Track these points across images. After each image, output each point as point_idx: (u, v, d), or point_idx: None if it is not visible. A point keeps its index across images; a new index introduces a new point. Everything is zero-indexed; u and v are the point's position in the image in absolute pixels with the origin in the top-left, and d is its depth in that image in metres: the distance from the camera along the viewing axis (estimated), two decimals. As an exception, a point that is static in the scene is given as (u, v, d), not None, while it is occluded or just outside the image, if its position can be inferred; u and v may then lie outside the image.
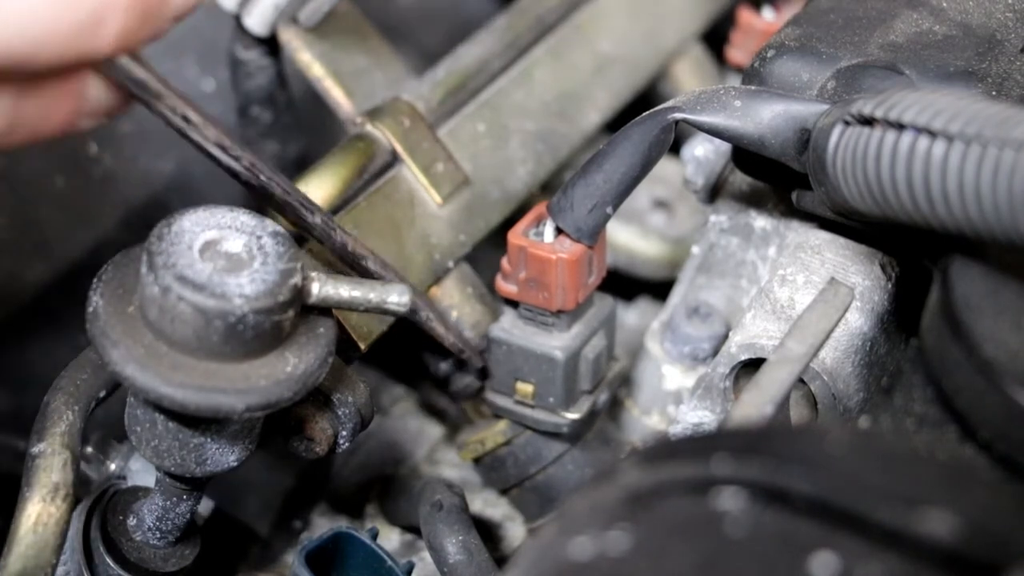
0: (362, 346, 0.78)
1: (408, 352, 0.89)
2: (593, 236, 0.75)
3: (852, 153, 0.61)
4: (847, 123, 0.63)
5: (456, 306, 0.85)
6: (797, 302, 0.74)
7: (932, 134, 0.57)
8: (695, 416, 0.76)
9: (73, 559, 0.71)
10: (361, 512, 0.91)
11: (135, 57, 0.60)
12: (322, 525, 0.90)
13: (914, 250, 0.73)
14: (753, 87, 0.72)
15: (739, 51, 1.03)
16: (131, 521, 0.72)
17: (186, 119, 0.63)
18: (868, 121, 0.61)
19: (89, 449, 0.78)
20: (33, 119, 0.57)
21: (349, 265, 0.74)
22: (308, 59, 0.88)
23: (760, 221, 0.82)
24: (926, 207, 0.58)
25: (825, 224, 0.77)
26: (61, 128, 0.59)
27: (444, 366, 0.87)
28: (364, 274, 0.74)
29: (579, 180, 0.74)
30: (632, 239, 1.05)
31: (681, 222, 1.07)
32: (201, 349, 0.61)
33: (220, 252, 0.62)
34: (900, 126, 0.58)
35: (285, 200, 0.69)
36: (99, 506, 0.73)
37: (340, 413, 0.70)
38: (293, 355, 0.63)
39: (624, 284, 1.05)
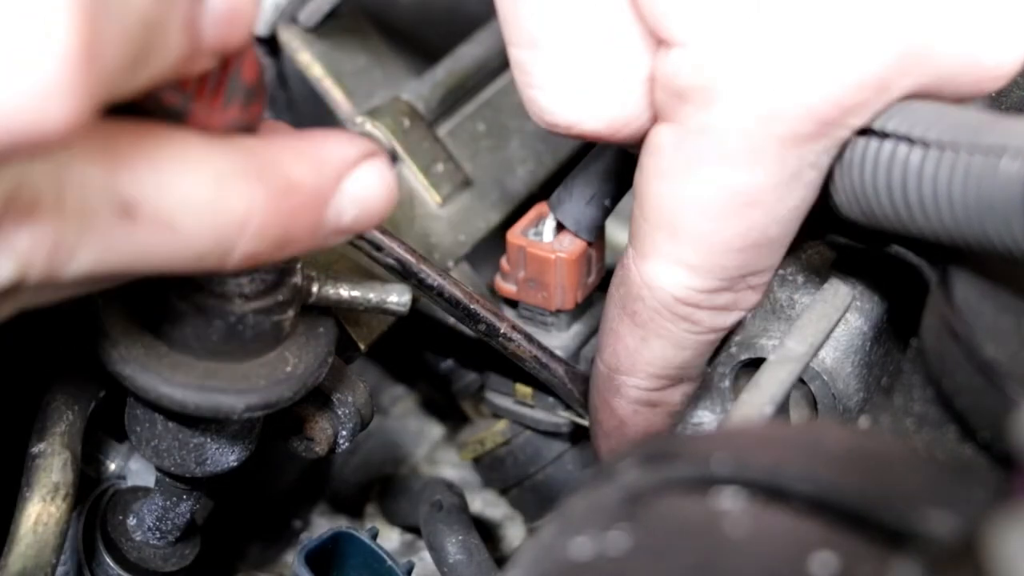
0: (362, 346, 0.78)
1: (408, 352, 0.89)
2: (591, 230, 0.75)
3: (840, 161, 0.62)
4: None
5: (456, 306, 0.85)
6: (797, 302, 0.74)
7: (911, 141, 0.57)
8: (695, 416, 0.76)
9: (73, 559, 0.71)
10: (361, 512, 0.91)
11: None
12: (322, 525, 0.90)
13: (914, 250, 0.73)
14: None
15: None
16: (131, 521, 0.72)
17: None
18: (859, 131, 0.62)
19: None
20: None
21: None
22: (308, 59, 0.88)
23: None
24: (905, 215, 0.58)
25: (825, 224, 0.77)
26: None
27: (444, 365, 0.87)
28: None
29: (579, 173, 0.75)
30: (632, 239, 1.05)
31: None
32: (201, 349, 0.61)
33: (220, 252, 0.62)
34: (883, 134, 0.59)
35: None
36: (99, 506, 0.73)
37: (340, 413, 0.70)
38: (293, 355, 0.63)
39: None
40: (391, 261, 0.70)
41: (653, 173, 0.63)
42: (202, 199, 0.50)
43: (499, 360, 0.80)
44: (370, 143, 0.56)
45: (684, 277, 0.65)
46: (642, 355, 0.69)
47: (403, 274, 0.71)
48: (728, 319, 0.67)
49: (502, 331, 0.74)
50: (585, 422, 0.80)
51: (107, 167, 0.48)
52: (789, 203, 0.62)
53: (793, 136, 0.59)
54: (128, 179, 0.48)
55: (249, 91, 0.53)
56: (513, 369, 0.79)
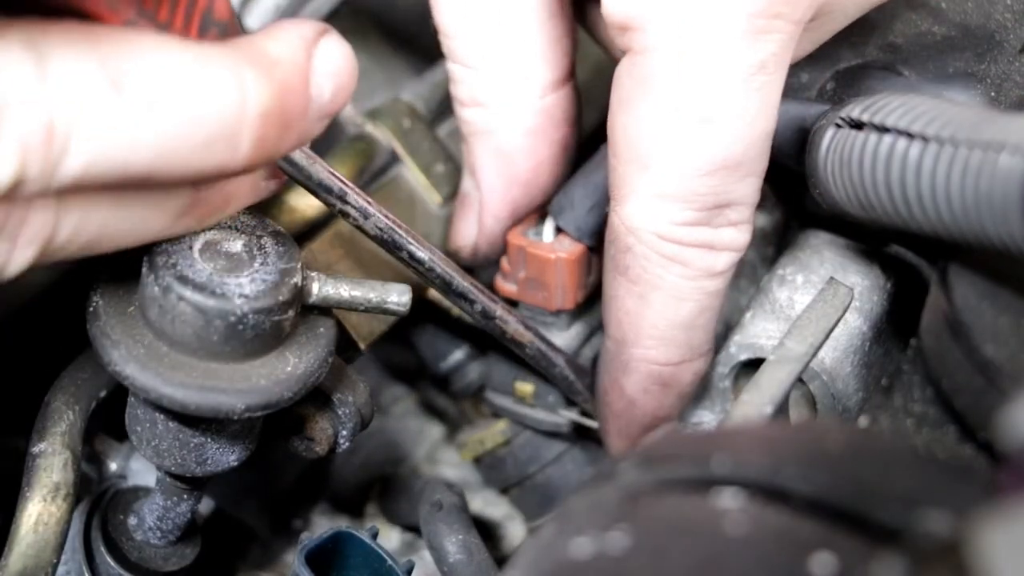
0: (362, 346, 0.78)
1: (408, 352, 0.89)
2: (593, 235, 0.75)
3: (840, 155, 0.62)
4: (838, 126, 0.63)
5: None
6: (796, 302, 0.74)
7: (911, 136, 0.57)
8: (695, 416, 0.76)
9: (74, 559, 0.71)
10: (361, 512, 0.91)
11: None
12: (322, 525, 0.90)
13: (914, 250, 0.73)
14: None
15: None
16: (132, 520, 0.72)
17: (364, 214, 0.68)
18: (858, 125, 0.62)
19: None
20: (218, 202, 0.59)
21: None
22: (308, 59, 0.88)
23: (760, 221, 0.82)
24: (903, 209, 0.59)
25: (824, 224, 0.77)
26: (250, 203, 0.63)
27: (445, 365, 0.87)
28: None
29: (579, 179, 0.75)
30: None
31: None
32: (201, 349, 0.61)
33: (220, 252, 0.62)
34: (884, 129, 0.59)
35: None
36: (99, 506, 0.73)
37: (340, 413, 0.70)
38: (293, 355, 0.63)
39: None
40: (377, 231, 0.69)
41: (617, 106, 0.66)
42: (188, 75, 0.51)
43: (504, 351, 0.80)
44: (320, 23, 0.58)
45: (661, 210, 0.66)
46: (644, 316, 0.69)
47: (390, 246, 0.70)
48: (717, 261, 0.68)
49: (497, 314, 0.74)
50: (586, 421, 0.80)
51: (87, 48, 0.49)
52: (746, 116, 0.63)
53: (729, 36, 0.61)
54: (109, 57, 0.50)
55: (223, 27, 0.55)
56: (517, 361, 0.79)
